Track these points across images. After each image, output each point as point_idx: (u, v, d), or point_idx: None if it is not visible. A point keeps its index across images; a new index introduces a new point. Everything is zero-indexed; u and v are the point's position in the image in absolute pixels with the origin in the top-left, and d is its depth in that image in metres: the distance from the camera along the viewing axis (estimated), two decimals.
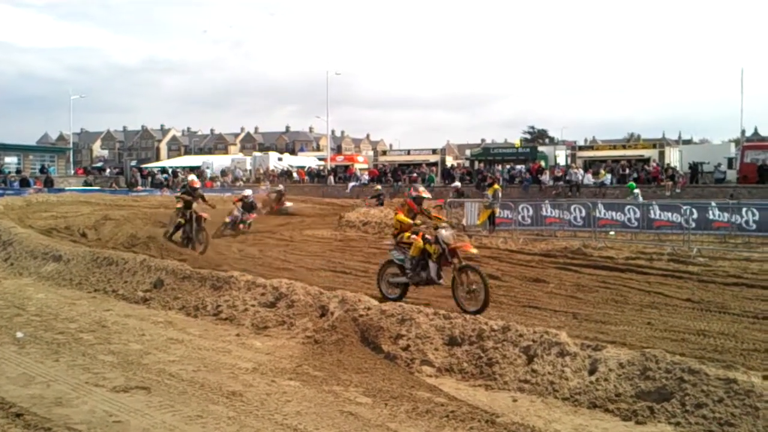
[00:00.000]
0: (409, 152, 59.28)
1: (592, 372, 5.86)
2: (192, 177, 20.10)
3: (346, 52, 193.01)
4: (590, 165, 44.62)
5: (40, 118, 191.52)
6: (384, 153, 66.07)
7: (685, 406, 5.15)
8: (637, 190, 24.24)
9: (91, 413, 5.28)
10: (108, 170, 60.38)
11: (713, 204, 18.46)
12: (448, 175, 47.08)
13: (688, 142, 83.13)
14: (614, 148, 53.95)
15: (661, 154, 45.97)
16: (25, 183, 40.38)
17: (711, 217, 17.57)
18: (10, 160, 47.99)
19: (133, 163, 70.90)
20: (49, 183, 40.80)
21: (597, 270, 12.96)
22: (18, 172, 45.75)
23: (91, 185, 45.59)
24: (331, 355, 7.08)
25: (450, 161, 62.61)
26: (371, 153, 70.24)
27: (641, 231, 18.62)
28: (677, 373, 5.40)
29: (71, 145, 79.19)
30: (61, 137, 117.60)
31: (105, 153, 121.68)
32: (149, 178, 53.29)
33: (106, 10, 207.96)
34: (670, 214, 18.16)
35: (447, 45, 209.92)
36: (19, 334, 7.96)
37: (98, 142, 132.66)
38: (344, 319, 7.75)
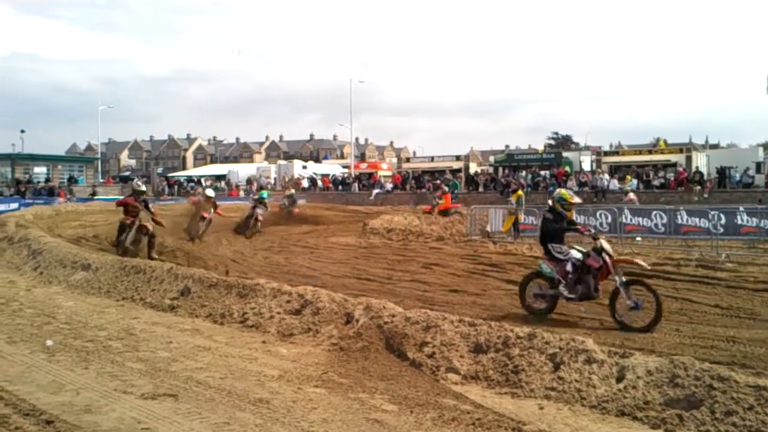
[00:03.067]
0: (432, 159, 59.33)
1: (619, 379, 5.81)
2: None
3: (369, 59, 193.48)
4: (616, 170, 44.27)
5: (68, 128, 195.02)
6: (407, 160, 66.30)
7: (714, 413, 5.08)
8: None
9: (120, 420, 5.33)
10: (135, 179, 61.14)
11: (741, 209, 18.24)
12: (472, 181, 46.99)
13: (715, 146, 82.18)
14: (640, 153, 53.45)
15: (688, 159, 45.49)
16: (51, 193, 41.08)
17: (739, 222, 17.35)
18: (40, 171, 48.83)
19: (160, 170, 71.68)
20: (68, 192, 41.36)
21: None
22: (47, 181, 46.47)
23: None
24: (356, 363, 7.09)
25: (474, 168, 62.63)
26: (395, 160, 70.48)
27: (668, 237, 18.45)
28: (706, 380, 5.33)
29: (99, 155, 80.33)
30: (89, 147, 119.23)
31: (132, 162, 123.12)
32: (176, 187, 53.89)
33: (135, 21, 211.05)
34: (697, 220, 17.98)
35: (470, 51, 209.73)
36: (49, 342, 8.06)
37: (125, 152, 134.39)
38: (369, 327, 7.75)
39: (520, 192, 22.55)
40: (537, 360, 6.38)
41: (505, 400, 6.00)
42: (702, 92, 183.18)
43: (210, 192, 24.09)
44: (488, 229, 21.80)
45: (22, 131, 73.94)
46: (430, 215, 26.17)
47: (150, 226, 16.36)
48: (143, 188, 17.57)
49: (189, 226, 20.87)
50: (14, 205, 35.57)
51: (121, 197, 21.99)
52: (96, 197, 42.73)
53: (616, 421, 5.39)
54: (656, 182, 39.71)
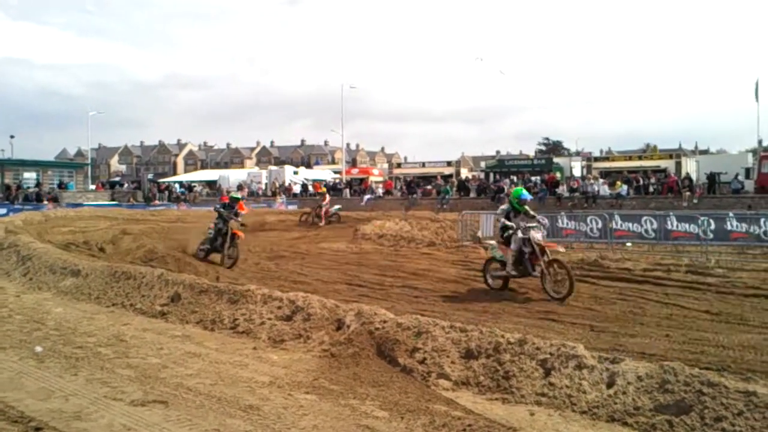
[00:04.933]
0: (424, 164, 59.55)
1: (610, 385, 5.82)
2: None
3: (360, 65, 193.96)
4: (606, 176, 44.50)
5: (58, 134, 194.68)
6: (399, 165, 66.35)
7: (704, 419, 5.10)
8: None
9: (110, 427, 5.31)
10: (126, 185, 60.95)
11: (731, 215, 18.34)
12: (463, 187, 47.09)
13: (705, 152, 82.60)
14: (630, 159, 53.81)
15: (678, 165, 45.83)
16: (39, 199, 40.99)
17: (729, 227, 17.44)
18: (29, 176, 48.61)
19: (150, 176, 71.48)
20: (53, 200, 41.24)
21: (614, 282, 12.88)
22: (37, 186, 46.27)
23: (113, 199, 46.01)
24: (347, 369, 7.08)
25: (465, 173, 62.74)
26: (386, 165, 70.53)
27: (658, 242, 18.52)
28: (696, 386, 5.35)
29: (89, 161, 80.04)
30: (79, 153, 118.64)
31: (123, 168, 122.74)
32: (166, 192, 53.73)
33: (126, 27, 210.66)
34: (687, 225, 18.06)
35: (461, 58, 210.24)
36: (38, 349, 8.02)
37: (116, 157, 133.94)
38: (360, 333, 7.75)
39: None
40: (528, 366, 6.39)
41: (496, 405, 6.01)
42: (692, 98, 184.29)
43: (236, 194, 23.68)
44: (479, 234, 21.81)
45: (12, 137, 73.54)
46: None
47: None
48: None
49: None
50: (2, 211, 35.42)
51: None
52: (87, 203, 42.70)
53: (607, 426, 5.41)
54: (651, 188, 39.83)
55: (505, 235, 12.26)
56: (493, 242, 13.20)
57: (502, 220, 12.38)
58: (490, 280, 12.65)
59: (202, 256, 17.07)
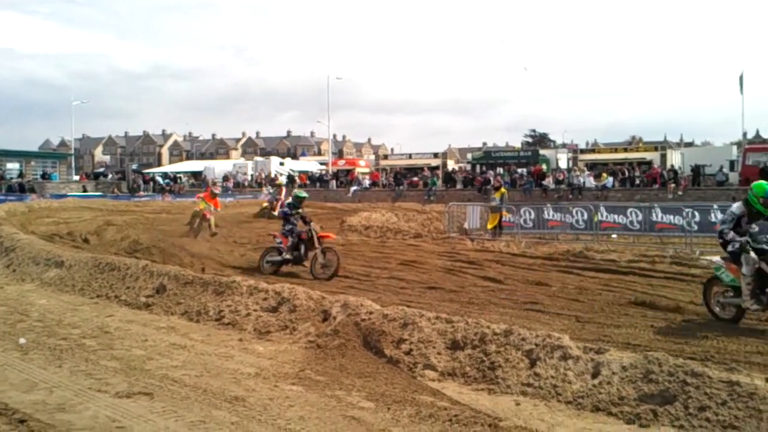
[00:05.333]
0: (410, 156, 59.55)
1: (595, 375, 5.85)
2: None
3: (348, 56, 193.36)
4: (592, 168, 44.70)
5: (42, 124, 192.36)
6: (385, 157, 66.38)
7: (688, 409, 5.14)
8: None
9: (94, 419, 5.28)
10: (110, 175, 60.53)
11: (715, 206, 18.47)
12: (449, 178, 47.14)
13: (689, 144, 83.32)
14: (616, 151, 54.11)
15: (663, 157, 46.10)
16: (21, 189, 40.72)
17: (713, 219, 17.56)
18: (12, 166, 48.15)
19: (135, 167, 70.99)
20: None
21: (599, 273, 12.95)
22: (20, 177, 45.85)
23: (86, 191, 45.66)
24: (333, 360, 7.08)
25: (451, 165, 62.77)
26: (373, 157, 70.46)
27: (643, 234, 18.66)
28: (680, 376, 5.38)
29: (73, 151, 79.35)
30: (62, 143, 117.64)
31: (107, 158, 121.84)
32: (151, 183, 53.40)
33: (112, 17, 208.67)
34: (672, 217, 18.20)
35: (448, 49, 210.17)
36: (22, 340, 7.96)
37: (100, 148, 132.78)
38: (346, 324, 7.74)
39: (503, 189, 22.46)
40: (513, 356, 6.41)
41: (481, 396, 6.02)
42: (677, 91, 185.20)
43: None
44: (466, 226, 21.86)
45: None
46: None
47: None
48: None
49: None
50: None
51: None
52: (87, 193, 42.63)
53: (592, 416, 5.43)
54: (636, 180, 39.99)
55: (730, 249, 8.72)
56: (717, 258, 9.41)
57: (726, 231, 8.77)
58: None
59: (272, 271, 13.76)
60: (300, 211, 14.02)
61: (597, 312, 9.65)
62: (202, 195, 21.90)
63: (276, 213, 26.92)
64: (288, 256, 13.61)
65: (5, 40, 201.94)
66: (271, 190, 33.11)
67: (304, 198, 14.75)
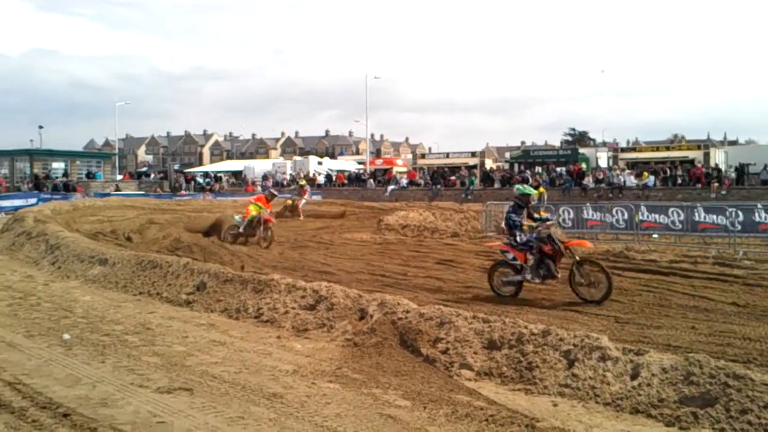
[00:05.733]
0: (448, 155, 59.27)
1: (634, 377, 5.78)
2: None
3: (386, 56, 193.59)
4: (633, 167, 44.02)
5: (86, 124, 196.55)
6: (423, 156, 66.15)
7: (729, 411, 5.05)
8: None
9: (136, 414, 5.39)
10: (152, 175, 61.52)
11: (759, 206, 18.02)
12: (487, 177, 46.87)
13: (733, 143, 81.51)
14: (657, 149, 53.14)
15: (706, 156, 45.19)
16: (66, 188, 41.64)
17: (757, 219, 17.14)
18: (58, 166, 49.26)
19: (176, 167, 72.04)
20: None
21: (640, 273, 12.75)
22: (65, 176, 46.88)
23: (119, 189, 46.20)
24: (370, 358, 7.11)
25: (489, 164, 62.40)
26: (410, 156, 70.38)
27: (685, 234, 18.28)
28: (722, 378, 5.29)
29: (117, 151, 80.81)
30: (106, 143, 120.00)
31: (149, 158, 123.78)
32: (192, 183, 54.14)
33: (153, 19, 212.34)
34: (715, 217, 17.79)
35: (487, 48, 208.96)
36: (66, 336, 8.15)
37: (143, 148, 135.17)
38: (383, 322, 7.76)
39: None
40: (551, 357, 6.37)
41: (518, 396, 6.00)
42: (721, 88, 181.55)
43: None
44: (503, 225, 21.70)
45: (41, 127, 74.06)
46: None
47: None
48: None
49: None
50: (32, 200, 35.96)
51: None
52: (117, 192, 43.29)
53: (630, 418, 5.37)
54: (678, 179, 39.24)
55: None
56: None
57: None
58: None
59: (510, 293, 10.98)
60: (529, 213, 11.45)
61: (637, 313, 9.51)
62: (253, 198, 20.55)
63: (301, 217, 26.95)
64: (530, 276, 10.65)
65: (51, 42, 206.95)
66: (309, 189, 33.04)
67: (530, 195, 11.80)
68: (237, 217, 19.52)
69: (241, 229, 18.91)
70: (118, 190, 46.20)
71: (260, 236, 18.50)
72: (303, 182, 35.47)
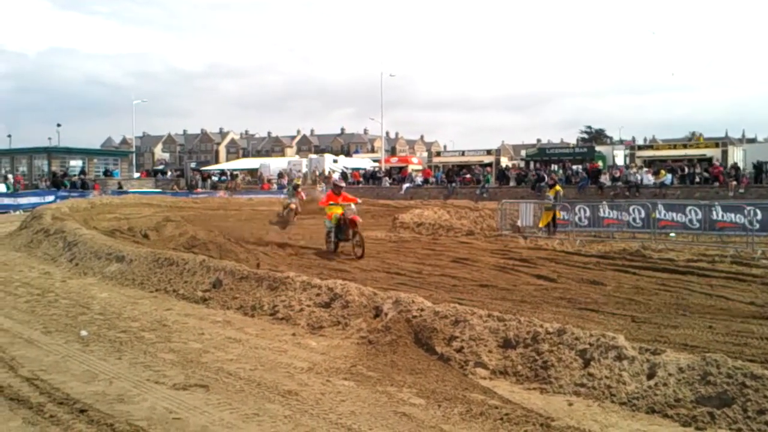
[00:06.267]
0: (463, 153, 59.13)
1: (650, 376, 5.74)
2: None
3: (401, 54, 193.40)
4: (650, 165, 43.69)
5: (103, 122, 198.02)
6: (438, 154, 65.96)
7: (746, 411, 5.01)
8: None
9: (152, 410, 5.43)
10: (169, 173, 61.87)
11: None
12: (503, 176, 46.72)
13: (752, 140, 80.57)
14: (675, 147, 52.64)
15: (724, 154, 44.77)
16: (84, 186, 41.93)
17: None
18: (75, 164, 49.68)
19: (193, 165, 72.40)
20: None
21: (656, 272, 12.67)
22: (82, 174, 47.23)
23: (121, 188, 45.81)
24: (384, 356, 7.11)
25: (505, 162, 62.19)
26: (425, 154, 70.26)
27: (703, 233, 18.16)
28: (739, 378, 5.25)
29: (134, 149, 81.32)
30: (124, 141, 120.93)
31: (166, 156, 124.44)
32: (209, 180, 54.42)
33: (169, 16, 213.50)
34: (733, 215, 17.66)
35: (502, 45, 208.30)
36: (84, 333, 8.22)
37: (159, 146, 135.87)
38: (398, 320, 7.77)
39: (558, 187, 22.07)
40: (566, 356, 6.34)
41: (533, 395, 5.98)
42: (739, 86, 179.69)
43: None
44: (519, 223, 21.65)
45: (58, 125, 74.58)
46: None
47: None
48: None
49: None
50: (50, 198, 36.29)
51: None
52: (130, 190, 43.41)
53: (647, 418, 5.34)
54: (696, 177, 38.81)
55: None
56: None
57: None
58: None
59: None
60: None
61: (653, 312, 9.45)
62: (323, 199, 17.39)
63: (294, 221, 23.83)
64: None
65: (68, 40, 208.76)
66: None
67: None
68: (328, 222, 16.67)
69: (333, 237, 16.42)
70: (120, 188, 45.54)
71: (353, 243, 15.87)
72: (298, 181, 31.59)
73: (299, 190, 26.64)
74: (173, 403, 5.57)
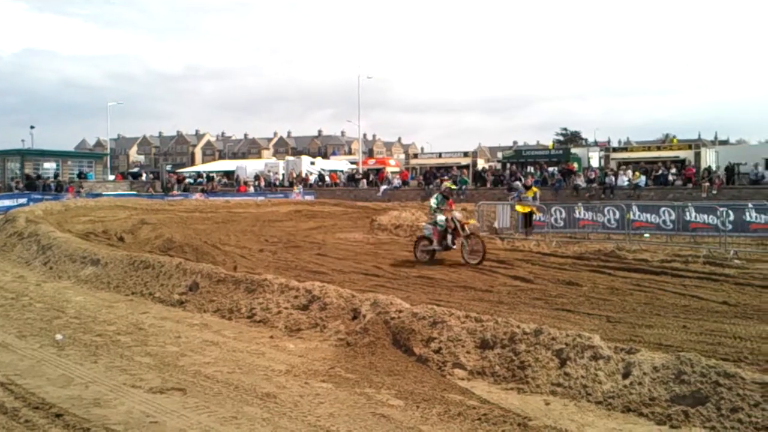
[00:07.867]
0: (440, 155, 59.33)
1: (625, 376, 5.81)
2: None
3: (379, 56, 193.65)
4: (624, 166, 44.11)
5: (79, 124, 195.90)
6: (415, 156, 66.22)
7: (720, 410, 5.09)
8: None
9: (129, 414, 5.39)
10: (144, 175, 61.33)
11: (750, 205, 18.14)
12: (479, 177, 46.92)
13: (724, 142, 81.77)
14: (649, 149, 53.22)
15: (697, 156, 45.32)
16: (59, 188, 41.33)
17: (748, 218, 17.24)
18: (49, 166, 49.06)
19: (169, 167, 71.81)
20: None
21: (631, 273, 12.81)
22: (56, 177, 46.64)
23: (80, 193, 44.46)
24: (363, 358, 7.12)
25: (481, 164, 62.50)
26: (403, 156, 70.40)
27: (676, 233, 18.36)
28: (712, 376, 5.33)
29: (108, 151, 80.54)
30: (98, 143, 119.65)
31: (141, 158, 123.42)
32: (183, 183, 54.02)
33: (147, 18, 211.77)
34: (706, 216, 17.87)
35: (480, 48, 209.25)
36: (59, 336, 8.13)
37: (134, 148, 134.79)
38: (376, 322, 7.78)
39: (535, 188, 22.18)
40: (543, 356, 6.39)
41: (511, 395, 6.02)
42: (712, 89, 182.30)
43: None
44: (496, 225, 21.73)
45: (32, 127, 73.88)
46: None
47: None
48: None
49: None
50: (23, 200, 35.79)
51: None
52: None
53: (622, 417, 5.40)
54: (670, 179, 39.24)
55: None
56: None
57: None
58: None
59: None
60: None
61: (628, 312, 9.55)
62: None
63: None
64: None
65: (46, 42, 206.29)
66: (302, 189, 32.45)
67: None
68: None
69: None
70: (79, 193, 42.97)
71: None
72: (449, 183, 31.90)
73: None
74: (150, 407, 5.54)
